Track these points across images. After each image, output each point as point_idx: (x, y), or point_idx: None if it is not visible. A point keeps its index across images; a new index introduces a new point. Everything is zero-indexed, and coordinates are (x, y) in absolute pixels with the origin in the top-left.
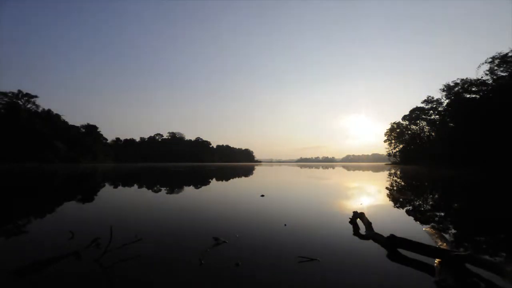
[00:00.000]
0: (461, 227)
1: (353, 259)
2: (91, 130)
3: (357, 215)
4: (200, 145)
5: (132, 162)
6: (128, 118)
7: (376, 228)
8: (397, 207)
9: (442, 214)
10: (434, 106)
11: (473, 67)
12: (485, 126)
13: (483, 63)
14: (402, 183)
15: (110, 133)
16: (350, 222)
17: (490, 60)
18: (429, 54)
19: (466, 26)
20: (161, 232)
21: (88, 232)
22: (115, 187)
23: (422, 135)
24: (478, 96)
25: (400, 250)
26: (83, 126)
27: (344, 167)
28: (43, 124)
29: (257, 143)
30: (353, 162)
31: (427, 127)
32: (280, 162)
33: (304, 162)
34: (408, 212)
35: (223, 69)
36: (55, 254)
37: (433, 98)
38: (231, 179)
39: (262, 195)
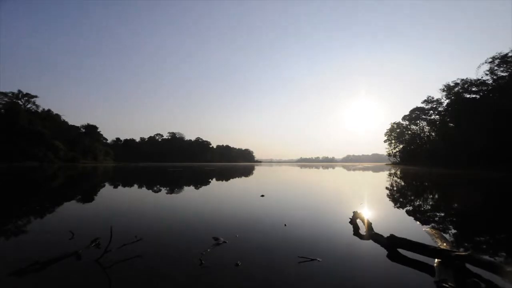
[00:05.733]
0: (461, 227)
1: (353, 259)
2: (91, 130)
3: (357, 215)
4: (200, 145)
5: (132, 162)
6: (128, 118)
7: (376, 228)
8: (397, 207)
9: (442, 214)
10: (434, 106)
11: (473, 66)
12: (485, 126)
13: (483, 63)
14: (402, 183)
15: (110, 133)
16: (350, 222)
17: (490, 60)
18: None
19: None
20: (161, 232)
21: (88, 232)
22: (115, 187)
23: (422, 135)
24: (478, 96)
25: (400, 250)
26: (83, 126)
27: (344, 167)
28: (43, 124)
29: (257, 143)
30: (353, 162)
31: (427, 127)
32: (280, 162)
33: (304, 162)
34: (408, 212)
35: (222, 68)
36: (55, 254)
37: (433, 98)
38: (231, 179)
39: (262, 195)
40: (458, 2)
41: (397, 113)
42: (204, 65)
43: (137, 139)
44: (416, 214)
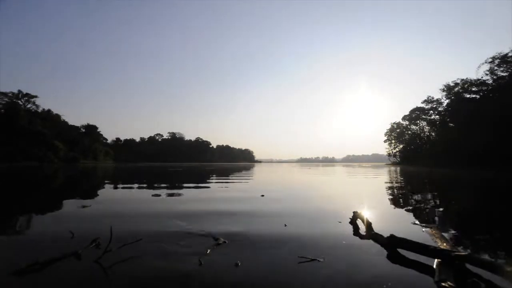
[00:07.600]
0: (461, 227)
1: (353, 259)
2: (91, 130)
3: (357, 215)
4: (200, 145)
5: (132, 162)
6: (128, 118)
7: (376, 228)
8: (397, 207)
9: (442, 214)
10: (434, 106)
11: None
12: (485, 126)
13: (483, 63)
14: (402, 183)
15: (110, 133)
16: (350, 222)
17: (490, 60)
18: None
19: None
20: (161, 232)
21: (88, 232)
22: (115, 186)
23: (422, 135)
24: (478, 96)
25: (400, 250)
26: (83, 126)
27: (344, 167)
28: (43, 124)
29: (257, 143)
30: (353, 162)
31: (427, 127)
32: (280, 161)
33: (304, 162)
34: (408, 212)
35: (222, 68)
36: (55, 254)
37: (433, 98)
38: (231, 179)
39: (262, 195)
40: (460, 1)
41: (397, 113)
42: (204, 65)
43: (137, 139)
44: (416, 214)
